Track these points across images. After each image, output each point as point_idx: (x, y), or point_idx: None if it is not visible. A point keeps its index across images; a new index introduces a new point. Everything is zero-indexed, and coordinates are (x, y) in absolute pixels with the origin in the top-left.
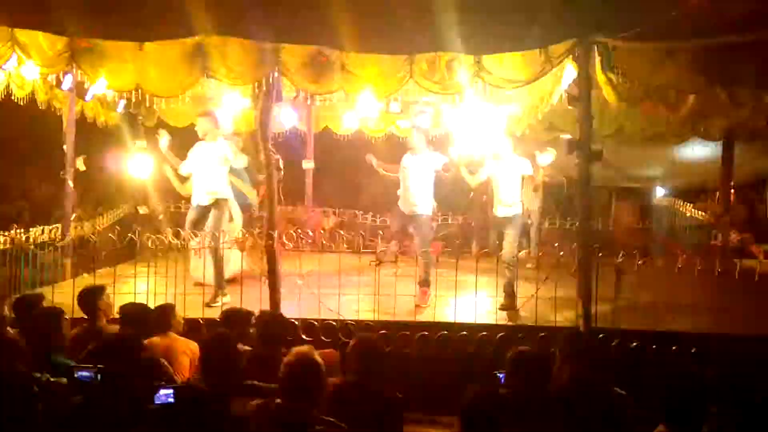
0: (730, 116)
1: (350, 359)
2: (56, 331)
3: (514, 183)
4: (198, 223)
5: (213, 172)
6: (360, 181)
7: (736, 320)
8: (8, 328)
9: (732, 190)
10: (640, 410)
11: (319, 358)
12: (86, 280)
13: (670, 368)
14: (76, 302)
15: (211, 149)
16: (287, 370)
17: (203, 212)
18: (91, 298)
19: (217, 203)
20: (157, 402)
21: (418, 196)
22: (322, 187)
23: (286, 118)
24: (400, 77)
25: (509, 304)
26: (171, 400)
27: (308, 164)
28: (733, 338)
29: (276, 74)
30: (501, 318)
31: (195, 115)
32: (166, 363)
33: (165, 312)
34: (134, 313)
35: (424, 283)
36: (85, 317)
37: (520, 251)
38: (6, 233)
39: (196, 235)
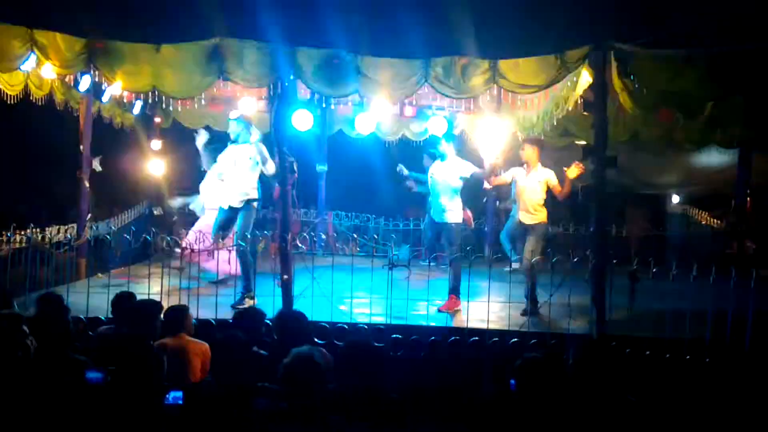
0: (748, 124)
1: (341, 363)
2: (65, 328)
3: (538, 191)
4: (226, 226)
5: (244, 175)
6: (373, 184)
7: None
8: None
9: (748, 198)
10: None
11: (319, 360)
12: (101, 280)
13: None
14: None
15: (242, 152)
16: (287, 372)
17: (232, 214)
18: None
19: (247, 205)
20: (167, 403)
21: (446, 204)
22: (335, 190)
23: (300, 120)
24: (415, 80)
25: (532, 309)
26: (180, 402)
27: (322, 167)
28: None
29: (291, 77)
30: (513, 324)
31: (227, 117)
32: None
33: (178, 313)
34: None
35: (453, 290)
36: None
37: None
38: (22, 232)
39: (223, 238)
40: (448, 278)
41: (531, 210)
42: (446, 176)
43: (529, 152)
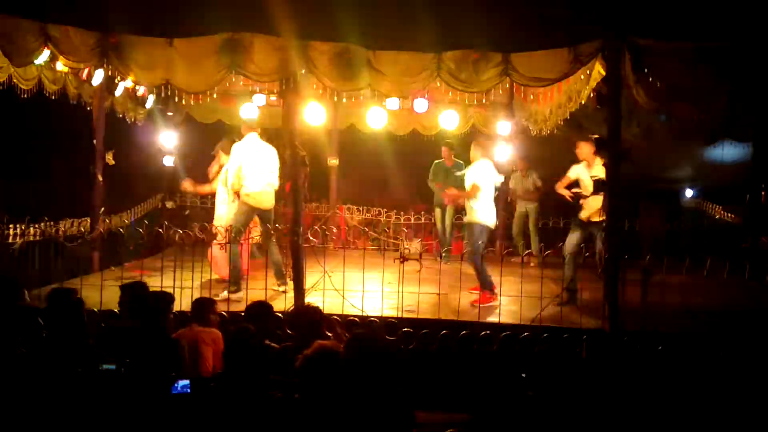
0: (763, 117)
1: (348, 357)
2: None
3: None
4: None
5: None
6: (384, 178)
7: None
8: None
9: (763, 192)
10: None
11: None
12: (114, 273)
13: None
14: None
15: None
16: (306, 364)
17: None
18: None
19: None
20: (174, 392)
21: (469, 204)
22: (346, 184)
23: (312, 114)
24: (426, 75)
25: (567, 298)
26: (188, 390)
27: (333, 161)
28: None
29: (303, 71)
30: (525, 318)
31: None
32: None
33: (198, 305)
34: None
35: (482, 286)
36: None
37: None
38: (36, 225)
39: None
40: None
41: (594, 206)
42: (467, 180)
43: (585, 150)
